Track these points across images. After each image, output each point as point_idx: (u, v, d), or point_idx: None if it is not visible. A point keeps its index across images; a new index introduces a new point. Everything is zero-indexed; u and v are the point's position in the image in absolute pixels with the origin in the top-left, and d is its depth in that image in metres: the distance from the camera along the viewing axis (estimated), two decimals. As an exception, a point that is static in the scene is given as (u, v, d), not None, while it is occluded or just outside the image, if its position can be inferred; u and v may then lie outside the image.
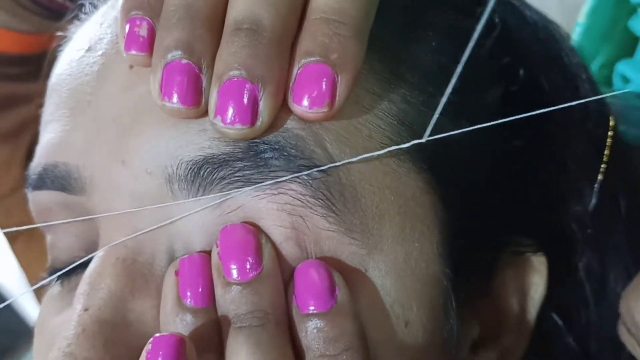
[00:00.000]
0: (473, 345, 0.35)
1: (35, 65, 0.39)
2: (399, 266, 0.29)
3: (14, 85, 0.49)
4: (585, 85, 0.39)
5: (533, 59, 0.38)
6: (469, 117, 0.33)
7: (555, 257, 0.37)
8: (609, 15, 0.58)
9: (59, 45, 0.36)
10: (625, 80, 0.56)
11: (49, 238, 0.34)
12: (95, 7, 0.36)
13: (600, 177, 0.38)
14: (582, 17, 0.58)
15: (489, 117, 0.35)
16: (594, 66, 0.59)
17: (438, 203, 0.31)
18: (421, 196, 0.30)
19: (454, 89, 0.33)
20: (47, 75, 0.36)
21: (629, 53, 0.59)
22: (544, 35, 0.40)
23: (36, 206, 0.33)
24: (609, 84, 0.58)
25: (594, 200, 0.38)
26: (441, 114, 0.32)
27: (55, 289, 0.34)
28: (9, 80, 0.49)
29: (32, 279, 0.55)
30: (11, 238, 0.54)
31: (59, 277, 0.33)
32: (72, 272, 0.32)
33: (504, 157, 0.36)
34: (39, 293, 0.40)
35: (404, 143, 0.30)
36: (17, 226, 0.53)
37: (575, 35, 0.59)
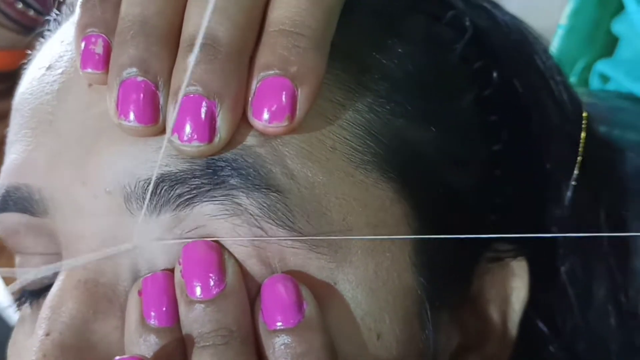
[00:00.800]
0: (453, 354, 0.34)
1: (12, 81, 0.39)
2: (369, 278, 0.29)
3: None
4: (559, 87, 0.39)
5: (506, 61, 0.38)
6: (440, 123, 0.33)
7: (536, 262, 0.36)
8: (591, 17, 0.58)
9: (25, 63, 0.36)
10: (605, 79, 0.55)
11: (17, 259, 0.34)
12: (59, 23, 0.36)
13: (575, 171, 0.37)
14: (564, 19, 0.58)
15: (462, 122, 0.35)
16: (577, 68, 0.59)
17: (409, 212, 0.31)
18: (391, 206, 0.30)
19: (424, 95, 0.33)
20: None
21: (611, 55, 0.58)
22: (517, 38, 0.39)
23: (3, 228, 0.33)
24: (587, 85, 0.58)
25: (569, 194, 0.37)
26: (411, 120, 0.31)
27: (26, 310, 0.33)
28: None
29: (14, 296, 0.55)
30: None
31: (28, 299, 0.33)
32: (40, 294, 0.31)
33: (481, 162, 0.35)
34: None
35: (369, 152, 0.30)
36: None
37: (558, 37, 0.59)
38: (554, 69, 0.39)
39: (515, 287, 0.36)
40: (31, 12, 0.48)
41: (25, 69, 0.36)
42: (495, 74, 0.36)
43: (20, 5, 0.48)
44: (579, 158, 0.38)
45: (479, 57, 0.36)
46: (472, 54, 0.36)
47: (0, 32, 0.48)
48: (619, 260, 0.39)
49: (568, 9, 0.57)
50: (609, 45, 0.58)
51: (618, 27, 0.57)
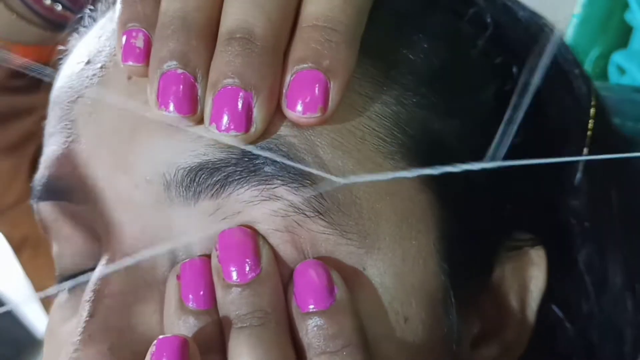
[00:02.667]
0: (474, 340, 0.35)
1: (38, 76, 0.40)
2: (396, 264, 0.30)
3: (16, 97, 0.49)
4: (578, 81, 0.40)
5: (526, 57, 0.38)
6: (463, 116, 0.34)
7: (554, 250, 0.37)
8: (604, 6, 0.58)
9: (60, 59, 0.37)
10: (621, 71, 0.56)
11: (55, 248, 0.35)
12: (94, 20, 0.37)
13: (585, 150, 0.38)
14: (578, 8, 0.59)
15: (483, 115, 0.35)
16: (591, 57, 0.59)
17: (434, 201, 0.32)
18: (417, 195, 0.31)
19: (448, 88, 0.33)
20: (48, 88, 0.36)
21: (625, 43, 0.59)
22: (536, 33, 0.40)
23: (42, 217, 0.34)
24: (605, 75, 0.58)
25: (579, 175, 0.38)
26: (436, 112, 0.32)
27: (62, 297, 0.35)
28: (12, 92, 0.50)
29: (38, 288, 0.56)
30: (17, 249, 0.55)
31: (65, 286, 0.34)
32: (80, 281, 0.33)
33: (504, 155, 0.36)
34: (46, 303, 0.41)
35: (397, 143, 0.31)
36: (23, 237, 0.54)
37: (572, 27, 0.59)
38: (573, 64, 0.40)
39: (534, 275, 0.37)
40: (59, 8, 0.49)
41: (60, 64, 0.37)
42: (515, 69, 0.37)
43: (48, 2, 0.48)
44: (585, 150, 0.38)
45: (499, 52, 0.37)
46: (492, 49, 0.37)
47: (28, 28, 0.49)
48: (634, 248, 0.40)
49: (582, -1, 0.58)
50: (623, 34, 0.59)
51: (630, 17, 0.57)
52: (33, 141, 0.50)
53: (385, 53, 0.32)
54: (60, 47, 0.38)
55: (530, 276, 0.37)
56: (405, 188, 0.31)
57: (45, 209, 0.33)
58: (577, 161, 0.36)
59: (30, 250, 0.54)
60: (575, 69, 0.40)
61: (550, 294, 0.37)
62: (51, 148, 0.33)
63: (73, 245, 0.33)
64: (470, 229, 0.33)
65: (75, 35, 0.37)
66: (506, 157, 0.36)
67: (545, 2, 0.45)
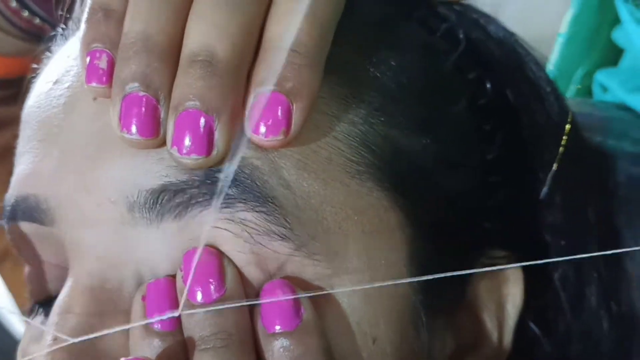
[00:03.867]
0: (449, 358, 0.35)
1: (17, 88, 0.40)
2: (365, 284, 0.30)
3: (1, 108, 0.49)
4: (550, 97, 0.40)
5: (499, 72, 0.39)
6: (434, 133, 0.33)
7: (530, 268, 0.37)
8: (591, 24, 0.58)
9: (33, 77, 0.37)
10: (604, 89, 0.56)
11: (26, 271, 0.35)
12: (66, 38, 0.37)
13: (554, 166, 0.38)
14: (564, 27, 0.58)
15: (456, 131, 0.35)
16: (577, 76, 0.59)
17: (404, 220, 0.32)
18: (386, 214, 0.31)
19: (418, 105, 0.33)
20: (23, 104, 0.36)
21: (612, 62, 0.59)
22: (509, 50, 0.40)
23: (12, 237, 0.34)
24: (591, 93, 0.58)
25: (545, 189, 0.38)
26: (405, 130, 0.32)
27: (35, 318, 0.34)
28: None
29: (19, 300, 0.56)
30: None
31: (38, 309, 0.34)
32: (50, 304, 0.32)
33: (475, 169, 0.36)
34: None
35: (364, 162, 0.31)
36: (2, 249, 0.53)
37: (558, 45, 0.59)
38: (544, 80, 0.40)
39: (511, 293, 0.36)
40: (36, 20, 0.49)
41: (33, 82, 0.37)
42: (488, 85, 0.37)
43: (26, 13, 0.48)
44: (555, 165, 0.38)
45: (472, 67, 0.37)
46: (465, 64, 0.37)
47: (5, 40, 0.49)
48: (610, 265, 0.40)
49: (567, 17, 0.57)
50: (610, 52, 0.59)
51: (617, 36, 0.57)
52: (13, 154, 0.50)
53: (352, 71, 0.32)
54: (34, 66, 0.38)
55: (507, 294, 0.37)
56: (373, 207, 0.31)
57: (14, 230, 0.33)
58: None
59: (11, 263, 0.54)
60: (547, 87, 0.40)
61: (527, 311, 0.37)
62: (20, 167, 0.33)
63: (41, 266, 0.33)
64: (442, 248, 0.33)
65: (47, 53, 0.37)
66: (481, 172, 0.36)
67: (531, 20, 0.45)
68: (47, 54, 0.37)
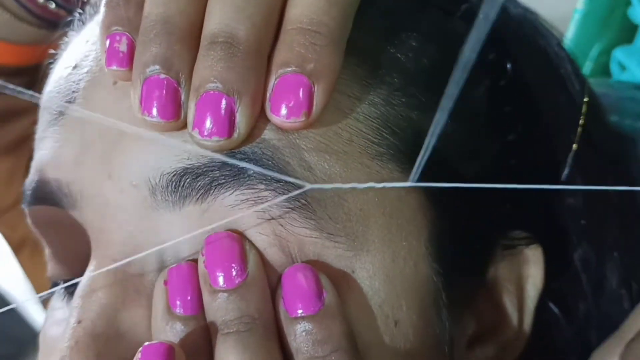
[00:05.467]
0: (470, 341, 0.35)
1: (33, 76, 0.40)
2: (386, 266, 0.30)
3: (13, 97, 0.49)
4: (571, 77, 0.39)
5: (519, 53, 0.38)
6: (454, 115, 0.33)
7: (550, 249, 0.37)
8: (607, 1, 0.58)
9: (50, 63, 0.37)
10: (622, 67, 0.55)
11: (47, 251, 0.35)
12: (83, 23, 0.37)
13: (575, 146, 0.38)
14: (580, 3, 0.58)
15: (475, 113, 0.35)
16: (593, 54, 0.59)
17: (425, 201, 0.31)
18: (407, 196, 0.31)
19: (438, 87, 0.33)
20: (41, 90, 0.36)
21: (627, 39, 0.58)
22: (529, 29, 0.40)
23: (33, 222, 0.34)
24: (607, 72, 0.58)
25: (566, 171, 0.38)
26: (426, 112, 0.32)
27: (55, 300, 0.35)
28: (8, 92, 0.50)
29: (38, 288, 0.56)
30: (16, 249, 0.55)
31: (59, 291, 0.34)
32: (71, 286, 0.33)
33: (496, 152, 0.36)
34: (45, 302, 0.41)
35: (385, 144, 0.30)
36: (21, 239, 0.54)
37: (574, 22, 0.58)
38: (566, 60, 0.40)
39: (531, 274, 0.36)
40: (52, 6, 0.48)
41: (51, 68, 0.37)
42: (509, 66, 0.37)
43: (41, 0, 0.48)
44: (574, 146, 0.38)
45: (492, 49, 0.37)
46: (485, 45, 0.37)
47: (21, 27, 0.49)
48: (631, 246, 0.40)
49: (584, -7, 0.57)
50: (626, 30, 0.58)
51: (632, 13, 0.57)
52: (30, 142, 0.50)
53: (373, 53, 0.32)
54: (51, 51, 0.38)
55: (527, 275, 0.36)
56: (394, 189, 0.30)
57: (34, 214, 0.33)
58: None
59: (29, 250, 0.54)
60: (568, 66, 0.39)
61: (547, 293, 0.37)
62: (40, 153, 0.33)
63: (63, 250, 0.33)
64: (463, 229, 0.33)
65: (65, 39, 0.37)
66: (501, 153, 0.36)
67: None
68: (65, 39, 0.37)
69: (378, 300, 0.30)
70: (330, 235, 0.29)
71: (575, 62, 0.40)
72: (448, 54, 0.34)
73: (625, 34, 0.58)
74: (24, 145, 0.51)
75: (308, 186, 0.28)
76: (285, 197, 0.28)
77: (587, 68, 0.58)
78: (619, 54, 0.55)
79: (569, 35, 0.58)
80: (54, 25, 0.46)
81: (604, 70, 0.58)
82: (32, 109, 0.37)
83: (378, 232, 0.30)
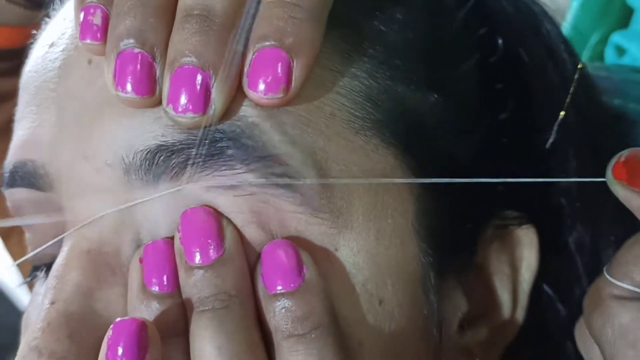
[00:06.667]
0: (462, 322, 0.34)
1: (21, 58, 0.39)
2: (371, 244, 0.29)
3: (3, 80, 0.49)
4: (563, 54, 0.39)
5: (511, 29, 0.37)
6: (442, 90, 0.32)
7: (544, 231, 0.36)
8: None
9: (31, 43, 0.36)
10: (621, 51, 0.55)
11: (27, 236, 0.34)
12: (62, 2, 0.36)
13: (562, 113, 0.37)
14: (578, -8, 0.57)
15: (464, 90, 0.34)
16: (591, 42, 0.58)
17: (411, 178, 0.31)
18: (392, 172, 0.30)
19: (425, 61, 0.32)
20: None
21: (625, 27, 0.58)
22: (522, 5, 0.39)
23: (11, 203, 0.33)
24: (602, 59, 0.57)
25: (551, 139, 0.37)
26: (412, 86, 0.31)
27: (37, 284, 0.34)
28: None
29: (26, 274, 0.56)
30: (5, 235, 0.55)
31: (40, 274, 0.34)
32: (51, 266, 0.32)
33: (485, 130, 0.35)
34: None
35: (369, 118, 0.30)
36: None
37: (572, 10, 0.58)
38: (558, 37, 0.39)
39: (525, 257, 0.36)
40: None
41: (32, 47, 0.36)
42: (500, 41, 0.36)
43: None
44: (562, 113, 0.37)
45: (482, 23, 0.36)
46: (475, 20, 0.36)
47: (9, 8, 0.48)
48: (626, 229, 0.39)
49: (582, -19, 0.57)
50: (624, 17, 0.58)
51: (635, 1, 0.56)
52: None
53: (356, 25, 0.31)
54: (34, 32, 0.37)
55: (521, 257, 0.36)
56: (378, 165, 0.30)
57: (12, 196, 0.33)
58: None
59: (17, 236, 0.54)
60: (561, 44, 0.39)
61: (542, 277, 0.36)
62: (18, 133, 0.33)
63: (41, 232, 0.32)
64: (451, 207, 0.32)
65: (46, 19, 0.37)
66: (492, 131, 0.35)
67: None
68: (46, 19, 0.37)
69: (361, 278, 0.29)
70: (314, 211, 0.28)
71: (567, 40, 0.39)
72: (435, 27, 0.34)
73: (624, 21, 0.58)
74: (12, 128, 0.51)
75: (308, 181, 0.28)
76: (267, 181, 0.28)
77: (585, 57, 0.57)
78: (618, 38, 0.55)
79: (567, 23, 0.57)
80: (40, 6, 0.46)
81: (599, 58, 0.58)
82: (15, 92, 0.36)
83: (362, 209, 0.29)
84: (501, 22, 0.37)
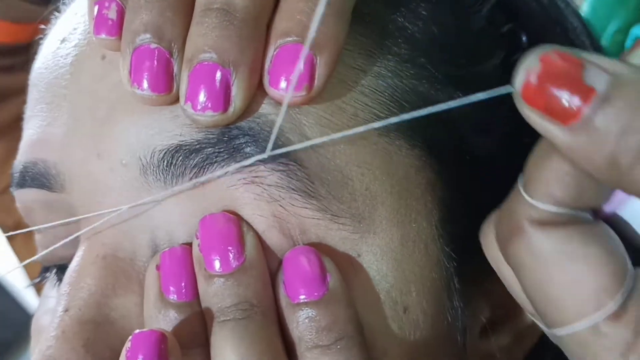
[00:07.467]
0: (483, 329, 0.33)
1: (26, 55, 0.38)
2: (395, 249, 0.28)
3: (7, 77, 0.48)
4: (589, 50, 0.37)
5: (535, 24, 0.36)
6: (466, 88, 0.31)
7: None
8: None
9: (41, 38, 0.35)
10: (643, 43, 0.54)
11: (37, 237, 0.33)
12: None
13: None
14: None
15: (489, 87, 0.33)
16: (609, 31, 0.57)
17: (435, 180, 0.30)
18: (416, 174, 0.29)
19: (450, 59, 0.31)
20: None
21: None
22: (547, 1, 0.38)
23: (21, 204, 0.32)
24: (622, 49, 0.56)
25: None
26: (436, 84, 0.30)
27: (47, 287, 0.33)
28: (1, 72, 0.48)
29: (31, 273, 0.55)
30: (11, 236, 0.54)
31: (51, 276, 0.33)
32: (63, 271, 0.31)
33: (510, 129, 0.34)
34: (40, 289, 0.40)
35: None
36: (16, 223, 0.52)
37: (587, 1, 0.57)
38: (584, 33, 0.38)
39: None
40: None
41: (41, 43, 0.35)
42: (524, 37, 0.35)
43: None
44: None
45: (506, 20, 0.35)
46: (499, 17, 0.35)
47: (15, 4, 0.47)
48: None
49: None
50: (641, 6, 0.57)
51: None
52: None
53: (380, 22, 0.30)
54: (42, 27, 0.36)
55: None
56: (401, 167, 0.29)
57: (23, 197, 0.32)
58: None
59: (23, 235, 0.53)
60: (587, 40, 0.38)
61: None
62: (28, 132, 0.32)
63: (51, 233, 0.31)
64: (475, 209, 0.31)
65: (55, 13, 0.36)
66: (515, 131, 0.34)
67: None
68: (56, 13, 0.36)
69: (386, 285, 0.28)
70: (334, 217, 0.27)
71: (593, 35, 0.38)
72: (459, 24, 0.33)
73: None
74: (17, 127, 0.50)
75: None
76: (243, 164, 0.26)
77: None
78: (638, 30, 0.54)
79: (583, 13, 0.56)
80: (46, 1, 0.45)
81: (619, 48, 0.57)
82: (25, 89, 0.35)
83: (385, 213, 0.28)
84: (525, 18, 0.36)
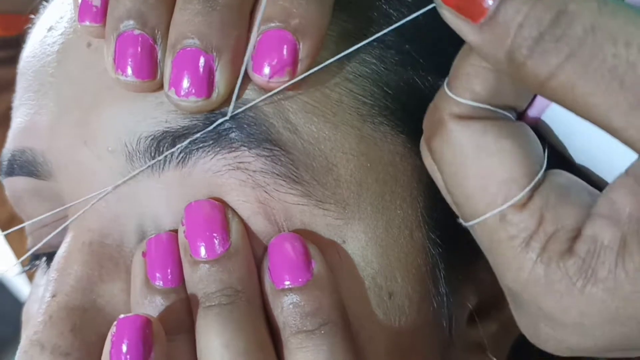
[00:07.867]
0: (471, 316, 0.34)
1: (18, 47, 0.39)
2: (380, 235, 0.28)
3: (2, 69, 0.48)
4: None
5: None
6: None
7: None
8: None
9: (29, 28, 0.36)
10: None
11: (27, 226, 0.33)
12: None
13: None
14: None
15: None
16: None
17: (421, 167, 0.30)
18: (401, 161, 0.29)
19: (435, 45, 0.31)
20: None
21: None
22: None
23: (10, 192, 0.33)
24: None
25: None
26: (422, 71, 0.30)
27: (38, 275, 0.33)
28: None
29: (24, 263, 0.55)
30: (4, 227, 0.54)
31: (41, 265, 0.33)
32: (52, 256, 0.31)
33: None
34: (31, 277, 0.40)
35: (378, 105, 0.29)
36: (10, 214, 0.52)
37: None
38: None
39: None
40: None
41: (30, 32, 0.35)
42: None
43: None
44: None
45: None
46: None
47: None
48: None
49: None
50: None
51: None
52: None
53: (364, 9, 0.30)
54: (32, 16, 0.36)
55: None
56: (386, 153, 0.29)
57: (11, 185, 0.32)
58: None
59: (16, 223, 0.53)
60: None
61: None
62: (16, 121, 0.32)
63: (41, 221, 0.32)
64: None
65: (44, 3, 0.36)
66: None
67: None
68: (44, 3, 0.36)
69: (370, 271, 0.28)
70: (319, 202, 0.27)
71: None
72: None
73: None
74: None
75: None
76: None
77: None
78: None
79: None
80: None
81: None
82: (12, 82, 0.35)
83: (370, 200, 0.28)
84: None
